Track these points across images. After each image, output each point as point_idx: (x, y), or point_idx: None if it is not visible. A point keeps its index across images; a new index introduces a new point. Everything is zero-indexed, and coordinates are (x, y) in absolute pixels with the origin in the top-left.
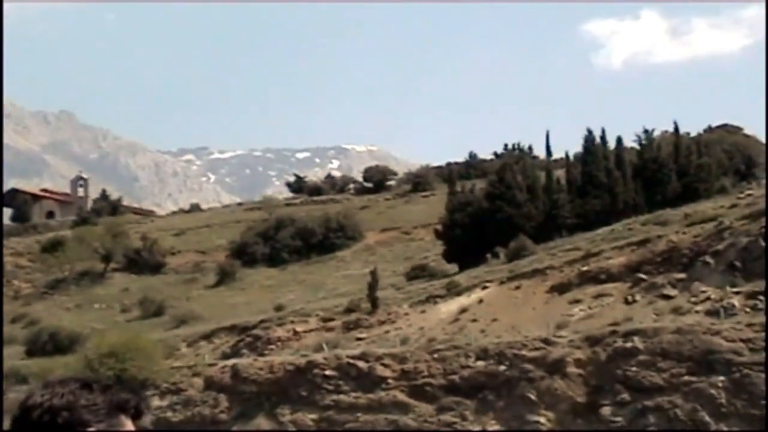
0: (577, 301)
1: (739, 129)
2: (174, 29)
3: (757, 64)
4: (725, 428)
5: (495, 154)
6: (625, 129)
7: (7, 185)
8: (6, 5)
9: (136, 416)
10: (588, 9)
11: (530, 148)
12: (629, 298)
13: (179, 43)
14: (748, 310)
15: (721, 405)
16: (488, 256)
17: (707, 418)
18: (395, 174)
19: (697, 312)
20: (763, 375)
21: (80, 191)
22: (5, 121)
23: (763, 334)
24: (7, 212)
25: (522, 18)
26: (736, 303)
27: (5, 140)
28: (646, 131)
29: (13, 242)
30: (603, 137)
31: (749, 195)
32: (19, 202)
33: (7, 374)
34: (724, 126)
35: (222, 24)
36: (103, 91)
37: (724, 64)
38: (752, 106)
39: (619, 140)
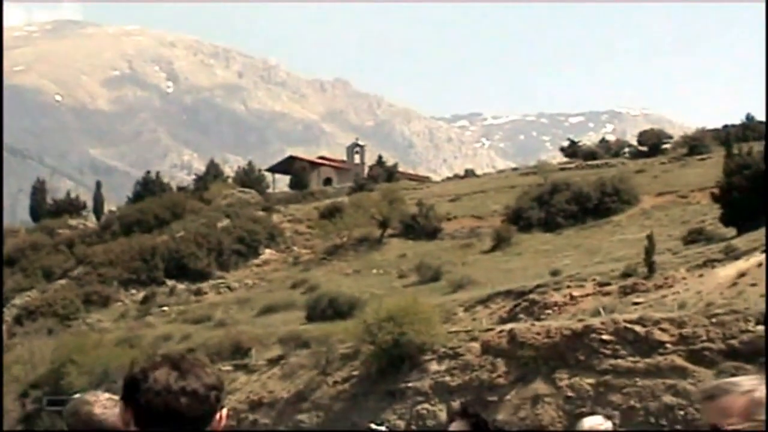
0: None
1: None
2: None
3: None
4: None
5: None
6: None
7: (285, 153)
8: None
9: None
10: None
11: None
12: None
13: (450, 10)
14: None
15: None
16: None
17: None
18: (670, 137)
19: None
20: None
21: (356, 158)
22: (281, 89)
23: None
24: (285, 179)
25: None
26: None
27: (282, 108)
28: None
29: (292, 209)
30: None
31: None
32: (297, 169)
33: (288, 339)
34: None
35: None
36: (377, 58)
37: None
38: None
39: None
